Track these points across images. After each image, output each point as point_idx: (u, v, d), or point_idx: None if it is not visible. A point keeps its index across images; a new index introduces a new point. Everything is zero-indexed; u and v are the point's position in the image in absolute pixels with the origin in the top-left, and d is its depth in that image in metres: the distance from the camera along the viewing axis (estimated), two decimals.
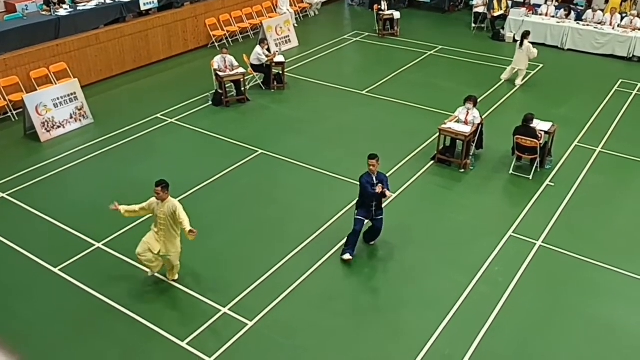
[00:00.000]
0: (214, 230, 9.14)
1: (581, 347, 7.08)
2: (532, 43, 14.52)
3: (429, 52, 16.95)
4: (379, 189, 8.00)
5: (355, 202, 8.54)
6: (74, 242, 8.80)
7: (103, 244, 8.74)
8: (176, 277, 8.02)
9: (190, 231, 7.18)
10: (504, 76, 14.76)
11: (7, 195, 10.00)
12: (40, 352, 6.96)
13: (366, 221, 8.43)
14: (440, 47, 17.32)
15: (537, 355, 6.96)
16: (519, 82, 14.55)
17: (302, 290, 7.91)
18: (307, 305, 7.68)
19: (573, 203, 9.87)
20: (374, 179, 8.10)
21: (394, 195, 9.93)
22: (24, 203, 9.77)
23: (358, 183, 8.25)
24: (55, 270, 8.25)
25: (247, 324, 7.32)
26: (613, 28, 16.82)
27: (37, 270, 8.26)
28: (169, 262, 7.86)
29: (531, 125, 10.46)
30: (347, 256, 8.39)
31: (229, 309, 7.55)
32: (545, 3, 18.59)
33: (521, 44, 14.24)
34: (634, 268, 8.35)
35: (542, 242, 8.88)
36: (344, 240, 8.49)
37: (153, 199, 7.50)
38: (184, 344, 7.04)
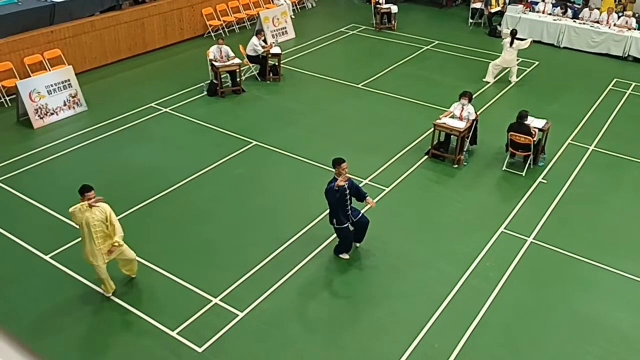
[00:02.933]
0: (206, 221, 9.14)
1: (568, 341, 7.14)
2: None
3: (426, 47, 16.93)
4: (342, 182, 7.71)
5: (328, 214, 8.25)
6: (65, 229, 8.76)
7: None
8: (134, 272, 7.78)
9: (117, 243, 7.12)
10: (489, 79, 14.46)
11: None
12: (29, 337, 6.94)
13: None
14: (437, 42, 17.32)
15: (525, 349, 7.02)
16: (513, 79, 14.54)
17: (292, 282, 7.93)
18: (298, 297, 7.70)
19: (565, 200, 9.92)
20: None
21: (387, 189, 9.96)
22: (16, 190, 9.74)
23: (336, 191, 7.75)
24: (47, 257, 8.24)
25: (237, 315, 7.33)
26: (609, 27, 16.86)
27: (29, 258, 8.25)
28: (125, 260, 7.54)
29: (525, 122, 10.48)
30: (345, 255, 8.39)
31: (220, 300, 7.56)
32: (542, 0, 18.59)
33: (512, 43, 14.17)
34: (621, 265, 8.42)
35: (533, 238, 8.92)
36: (335, 238, 8.40)
37: (76, 209, 6.96)
38: (174, 334, 7.05)
